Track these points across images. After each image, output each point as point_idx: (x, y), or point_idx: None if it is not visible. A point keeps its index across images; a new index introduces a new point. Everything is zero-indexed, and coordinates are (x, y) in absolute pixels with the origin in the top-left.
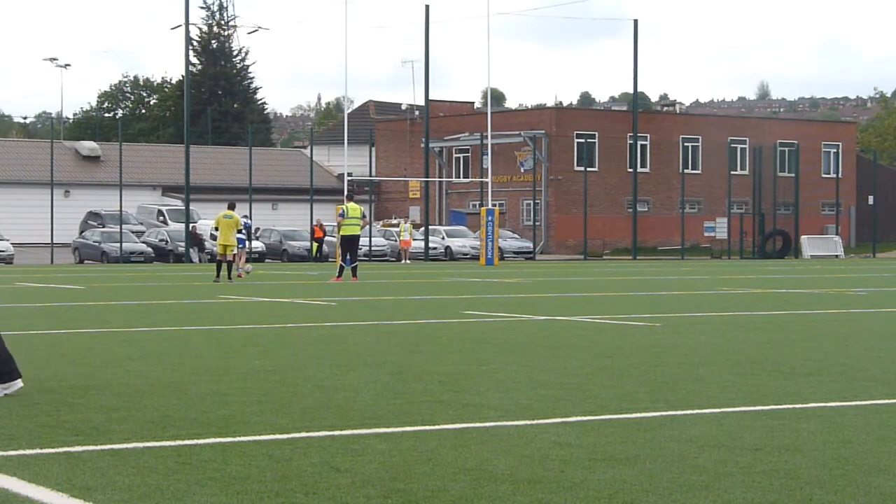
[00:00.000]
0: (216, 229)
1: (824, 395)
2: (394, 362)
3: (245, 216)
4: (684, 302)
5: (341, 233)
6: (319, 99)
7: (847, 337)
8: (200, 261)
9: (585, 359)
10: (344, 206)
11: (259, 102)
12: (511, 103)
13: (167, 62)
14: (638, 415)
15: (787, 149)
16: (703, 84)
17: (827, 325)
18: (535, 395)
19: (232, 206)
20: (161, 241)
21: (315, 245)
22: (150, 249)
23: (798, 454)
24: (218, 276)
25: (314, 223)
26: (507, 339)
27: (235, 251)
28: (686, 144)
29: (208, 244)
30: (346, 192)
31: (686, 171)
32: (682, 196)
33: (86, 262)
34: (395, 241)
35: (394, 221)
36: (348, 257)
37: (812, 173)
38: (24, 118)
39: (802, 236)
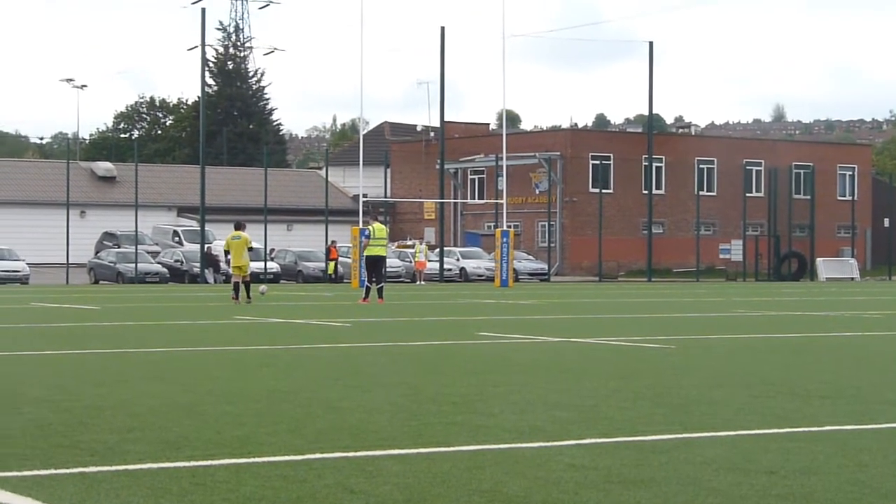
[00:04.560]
0: (227, 252)
1: (840, 418)
2: (408, 383)
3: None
4: (699, 324)
5: (367, 253)
6: (335, 120)
7: (863, 360)
8: (216, 281)
9: (600, 381)
10: (370, 227)
11: (274, 123)
12: (526, 125)
13: (183, 83)
14: (653, 437)
15: (802, 171)
16: (718, 106)
17: (842, 347)
18: (549, 417)
19: (239, 227)
20: (176, 261)
21: (331, 265)
22: (165, 270)
23: (813, 477)
24: (237, 296)
25: (329, 244)
26: (521, 360)
27: (248, 271)
28: (701, 166)
29: (223, 265)
30: (362, 212)
31: (701, 192)
32: (698, 218)
33: (101, 282)
34: (410, 262)
35: (409, 243)
36: (373, 278)
37: (827, 195)
38: (41, 139)
39: (818, 259)
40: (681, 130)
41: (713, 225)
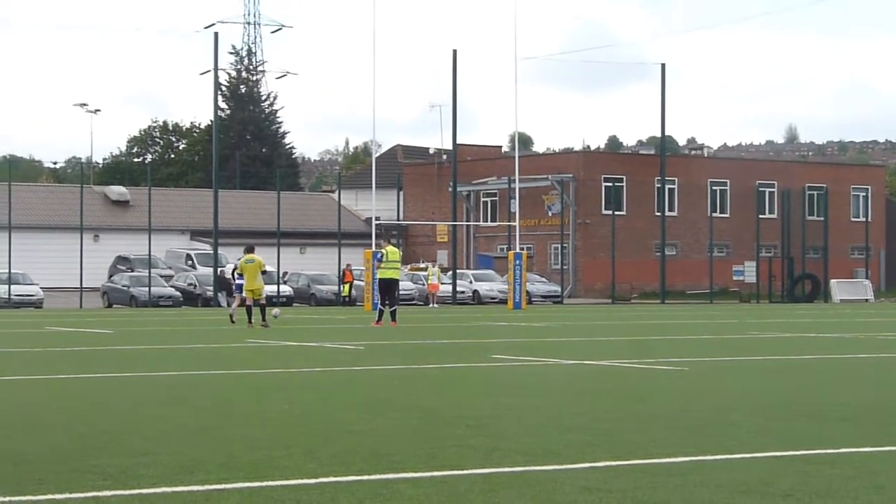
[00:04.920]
0: (240, 276)
1: (857, 440)
2: (422, 406)
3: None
4: (713, 346)
5: (380, 276)
6: (347, 143)
7: (879, 381)
8: (229, 305)
9: (614, 403)
10: (383, 250)
11: (287, 147)
12: (538, 147)
13: (196, 107)
14: (667, 460)
15: (815, 192)
16: (730, 127)
17: (858, 369)
18: (563, 439)
19: (250, 249)
20: (189, 285)
21: (346, 288)
22: (178, 293)
23: (831, 500)
24: (251, 320)
25: (344, 267)
26: (535, 383)
27: (263, 294)
28: (714, 188)
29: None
30: (375, 235)
31: (714, 214)
32: (711, 240)
33: (114, 305)
34: (423, 284)
35: (421, 265)
36: (386, 301)
37: (841, 217)
38: (55, 163)
39: (832, 280)
40: (693, 152)
41: (726, 246)
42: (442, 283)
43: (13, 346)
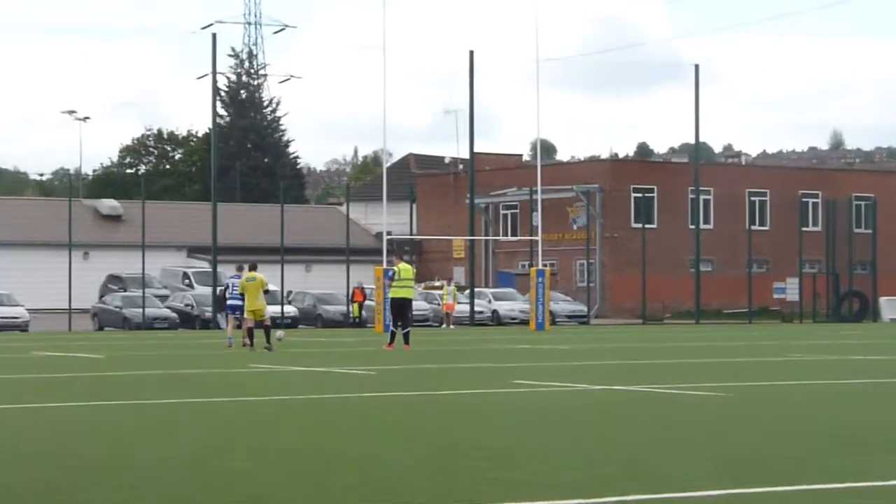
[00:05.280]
0: (242, 295)
1: None
2: (438, 435)
3: (237, 275)
4: (752, 369)
5: (392, 295)
6: (356, 152)
7: None
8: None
9: (645, 432)
10: (395, 267)
11: (291, 156)
12: (562, 155)
13: (193, 114)
14: (702, 493)
15: (863, 203)
16: (770, 133)
17: None
18: (590, 471)
19: (253, 268)
20: (187, 305)
21: (356, 308)
22: (174, 315)
23: None
24: (252, 343)
25: (355, 285)
26: (559, 410)
27: (266, 315)
28: (753, 199)
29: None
30: (386, 251)
31: (753, 227)
32: (749, 255)
33: (106, 328)
34: (438, 304)
35: (436, 283)
36: (399, 322)
37: (891, 229)
38: (41, 175)
39: (881, 298)
40: (730, 160)
41: (766, 262)
42: (458, 303)
43: None
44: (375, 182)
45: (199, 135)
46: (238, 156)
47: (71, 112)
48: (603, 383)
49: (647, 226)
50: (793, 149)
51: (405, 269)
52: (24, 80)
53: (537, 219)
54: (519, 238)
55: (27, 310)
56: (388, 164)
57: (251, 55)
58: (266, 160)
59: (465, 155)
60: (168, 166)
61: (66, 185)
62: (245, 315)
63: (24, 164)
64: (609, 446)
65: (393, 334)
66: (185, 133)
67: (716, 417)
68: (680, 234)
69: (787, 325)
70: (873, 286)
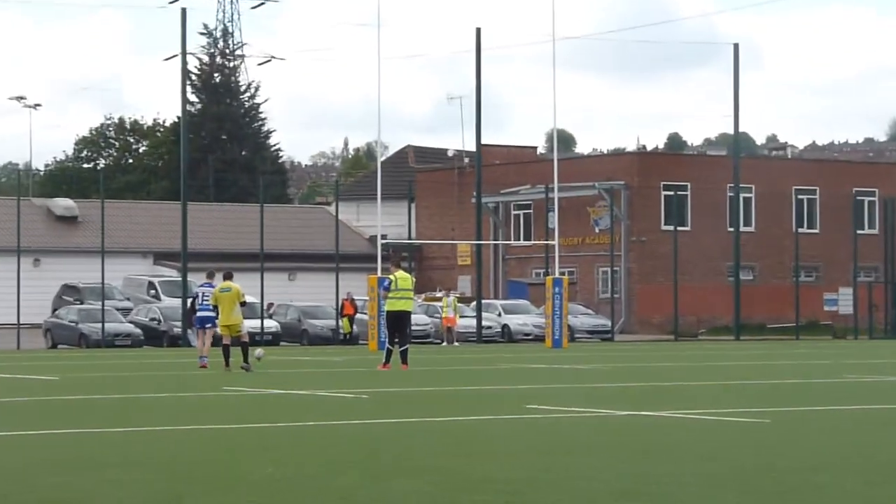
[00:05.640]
0: (214, 307)
1: None
2: (439, 468)
3: (208, 283)
4: (800, 392)
5: (388, 308)
6: (346, 144)
7: None
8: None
9: (678, 463)
10: (391, 276)
11: (272, 149)
12: (582, 148)
13: (159, 101)
14: None
15: None
16: (820, 122)
17: None
18: None
19: (228, 276)
20: (152, 320)
21: (346, 322)
22: (138, 331)
23: None
24: (227, 363)
25: (344, 297)
26: (580, 439)
27: (242, 330)
28: (800, 197)
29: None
30: (381, 258)
31: (800, 229)
32: (797, 261)
33: (60, 346)
34: (440, 318)
35: (438, 294)
36: (396, 339)
37: None
38: None
39: None
40: (774, 153)
41: (816, 269)
42: (461, 317)
43: None
44: (369, 178)
45: (167, 124)
46: (211, 148)
47: (20, 99)
48: (629, 408)
49: (679, 228)
50: (846, 140)
51: (403, 277)
52: None
53: (554, 220)
54: (533, 242)
55: None
56: (384, 158)
57: (226, 33)
58: (243, 153)
59: (472, 147)
60: (131, 160)
61: (14, 183)
62: (219, 330)
63: None
64: (636, 479)
65: (389, 352)
66: (150, 122)
67: (757, 446)
68: (717, 237)
69: (840, 341)
70: None
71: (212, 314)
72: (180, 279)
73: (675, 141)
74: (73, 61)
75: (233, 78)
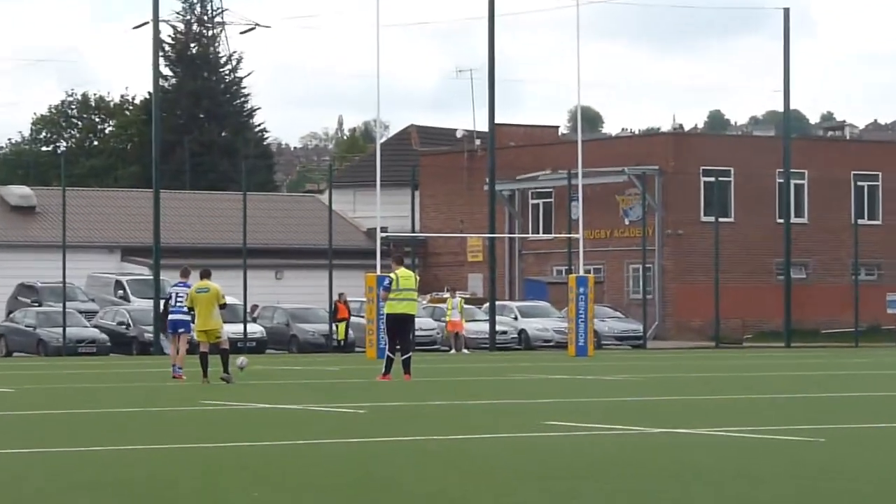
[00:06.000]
0: (191, 309)
1: None
2: (445, 495)
3: (182, 282)
4: (858, 407)
5: (389, 311)
6: (341, 124)
7: None
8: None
9: (717, 487)
10: (392, 274)
11: (256, 129)
12: (610, 128)
13: (128, 75)
14: None
15: None
16: (882, 99)
17: None
18: None
19: (206, 274)
20: (120, 324)
21: (341, 328)
22: (104, 336)
23: None
24: (205, 373)
25: (336, 298)
26: (606, 460)
27: (222, 336)
28: (860, 183)
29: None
30: (380, 253)
31: (860, 221)
32: (856, 257)
33: (15, 353)
34: (445, 322)
35: (445, 295)
36: (398, 345)
37: None
38: None
39: None
40: (830, 133)
41: (878, 267)
42: (470, 320)
43: None
44: (366, 163)
45: (137, 102)
46: (187, 129)
47: None
48: (662, 425)
49: (721, 219)
50: None
51: (405, 276)
52: None
53: (578, 210)
54: (554, 236)
55: None
56: (384, 140)
57: None
58: (223, 134)
59: (483, 127)
60: (96, 143)
61: None
62: (196, 336)
63: None
64: None
65: (390, 361)
66: (117, 100)
67: (807, 468)
68: (764, 229)
69: None
70: None
71: (187, 318)
72: (152, 278)
73: (716, 119)
74: (28, 30)
75: (211, 48)
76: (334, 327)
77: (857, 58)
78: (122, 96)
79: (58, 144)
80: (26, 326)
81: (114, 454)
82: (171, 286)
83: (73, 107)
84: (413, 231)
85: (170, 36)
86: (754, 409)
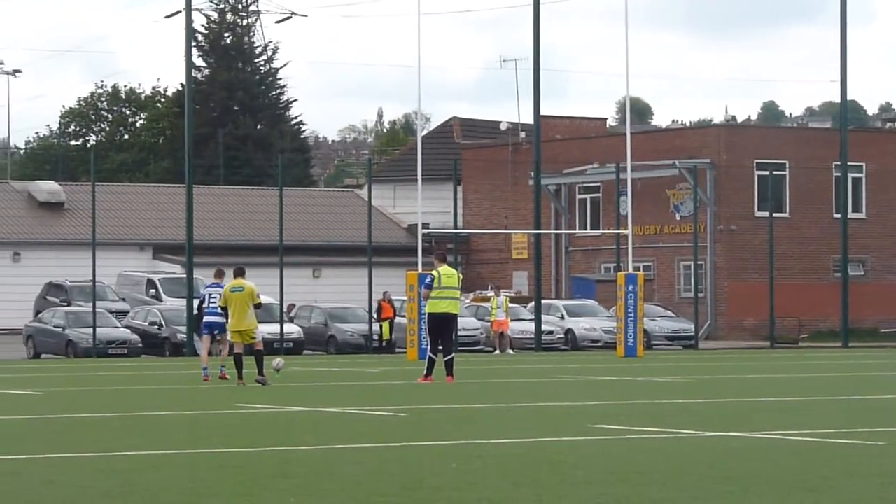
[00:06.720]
0: (224, 308)
1: None
2: (492, 500)
3: (217, 282)
4: None
5: (431, 310)
6: (381, 116)
7: None
8: (211, 353)
9: (774, 495)
10: (434, 272)
11: (293, 122)
12: (660, 120)
13: (159, 66)
14: None
15: None
16: None
17: None
18: None
19: (240, 273)
20: (152, 324)
21: (385, 327)
22: (136, 337)
23: None
24: (241, 375)
25: (382, 297)
26: (656, 464)
27: (257, 336)
28: None
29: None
30: (421, 250)
31: None
32: None
33: (44, 355)
34: (490, 321)
35: (489, 294)
36: (440, 346)
37: None
38: None
39: None
40: (889, 125)
41: None
42: (515, 319)
43: None
44: (407, 157)
45: (169, 94)
46: (221, 122)
47: None
48: (716, 428)
49: (775, 214)
50: None
51: (448, 274)
52: None
53: (627, 205)
54: (602, 232)
55: None
56: (425, 133)
57: None
58: (259, 127)
59: (529, 119)
60: (127, 136)
61: None
62: (230, 337)
63: None
64: None
65: (432, 362)
66: (149, 92)
67: (869, 474)
68: (821, 225)
69: None
70: None
71: (222, 319)
72: (184, 276)
73: (770, 111)
74: (57, 21)
75: (246, 38)
76: (377, 327)
77: None
78: (153, 88)
79: (87, 138)
80: (55, 327)
81: (146, 459)
82: (205, 287)
83: (103, 99)
84: (455, 227)
85: (203, 25)
86: (811, 411)
